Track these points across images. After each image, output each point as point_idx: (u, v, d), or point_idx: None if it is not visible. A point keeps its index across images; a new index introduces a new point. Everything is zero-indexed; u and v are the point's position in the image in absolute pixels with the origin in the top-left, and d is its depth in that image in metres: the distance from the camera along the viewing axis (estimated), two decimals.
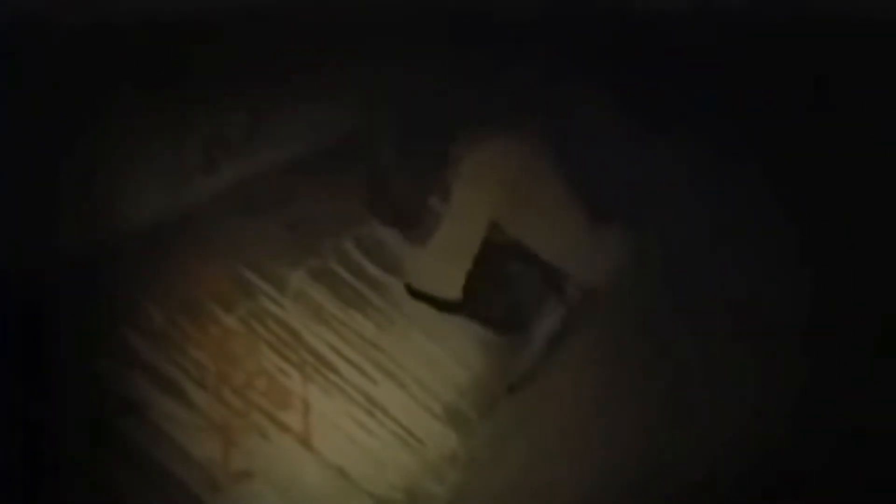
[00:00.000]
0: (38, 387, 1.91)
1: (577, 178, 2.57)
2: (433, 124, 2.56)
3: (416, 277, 2.41)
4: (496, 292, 2.48)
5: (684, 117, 2.56)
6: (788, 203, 2.45)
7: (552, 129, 2.60)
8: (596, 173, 2.54)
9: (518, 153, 2.51)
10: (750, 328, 2.40)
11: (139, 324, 2.10)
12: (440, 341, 2.45)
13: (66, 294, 2.02)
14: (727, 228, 2.52)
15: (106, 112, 2.12)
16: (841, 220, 2.37)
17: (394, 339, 2.40)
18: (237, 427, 2.08)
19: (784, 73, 2.55)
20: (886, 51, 2.36)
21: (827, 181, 2.40)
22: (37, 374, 1.92)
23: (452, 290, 2.38)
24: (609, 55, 2.66)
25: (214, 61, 2.28)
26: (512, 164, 2.47)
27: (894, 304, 2.25)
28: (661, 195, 2.57)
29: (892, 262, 2.27)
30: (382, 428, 2.24)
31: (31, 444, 1.85)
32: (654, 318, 2.49)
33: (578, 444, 2.31)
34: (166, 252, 2.20)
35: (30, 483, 1.81)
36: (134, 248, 2.15)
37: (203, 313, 2.19)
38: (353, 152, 2.58)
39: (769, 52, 2.54)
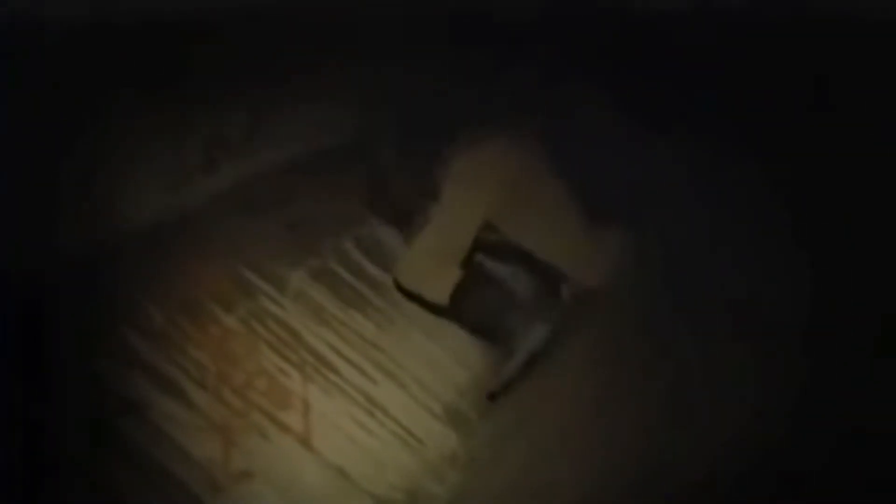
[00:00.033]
0: (38, 387, 1.91)
1: (576, 178, 2.57)
2: (433, 124, 2.56)
3: (402, 275, 2.41)
4: (485, 301, 2.47)
5: (684, 117, 2.56)
6: (788, 203, 2.45)
7: (552, 129, 2.60)
8: (596, 173, 2.54)
9: (516, 153, 2.51)
10: (750, 328, 2.40)
11: (139, 324, 2.10)
12: (440, 341, 2.46)
13: (66, 294, 2.02)
14: (727, 228, 2.51)
15: (106, 112, 2.12)
16: (841, 220, 2.37)
17: (394, 340, 2.41)
18: (237, 427, 2.08)
19: (784, 73, 2.55)
20: (887, 51, 2.35)
21: (827, 181, 2.40)
22: (37, 374, 1.92)
23: (438, 292, 2.38)
24: (609, 55, 2.66)
25: (214, 61, 2.28)
26: (509, 165, 2.48)
27: (894, 304, 2.25)
28: (661, 195, 2.57)
29: (892, 262, 2.26)
30: (382, 428, 2.24)
31: (31, 444, 1.85)
32: (654, 318, 2.48)
33: (578, 444, 2.31)
34: (166, 252, 2.20)
35: (30, 483, 1.81)
36: (134, 248, 2.15)
37: (203, 313, 2.19)
38: (353, 152, 2.58)
39: (769, 52, 2.53)
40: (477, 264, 2.48)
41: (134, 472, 1.95)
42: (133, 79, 2.15)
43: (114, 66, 2.10)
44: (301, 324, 2.31)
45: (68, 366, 1.98)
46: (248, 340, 2.22)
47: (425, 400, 2.33)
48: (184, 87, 2.25)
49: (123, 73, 2.13)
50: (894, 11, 2.30)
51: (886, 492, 2.02)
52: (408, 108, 2.63)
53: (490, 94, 2.59)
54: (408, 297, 2.43)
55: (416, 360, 2.40)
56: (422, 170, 2.52)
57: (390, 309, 2.44)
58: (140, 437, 1.99)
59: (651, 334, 2.46)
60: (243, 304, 2.26)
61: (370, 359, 2.34)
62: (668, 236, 2.54)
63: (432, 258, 2.39)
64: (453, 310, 2.42)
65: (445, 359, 2.41)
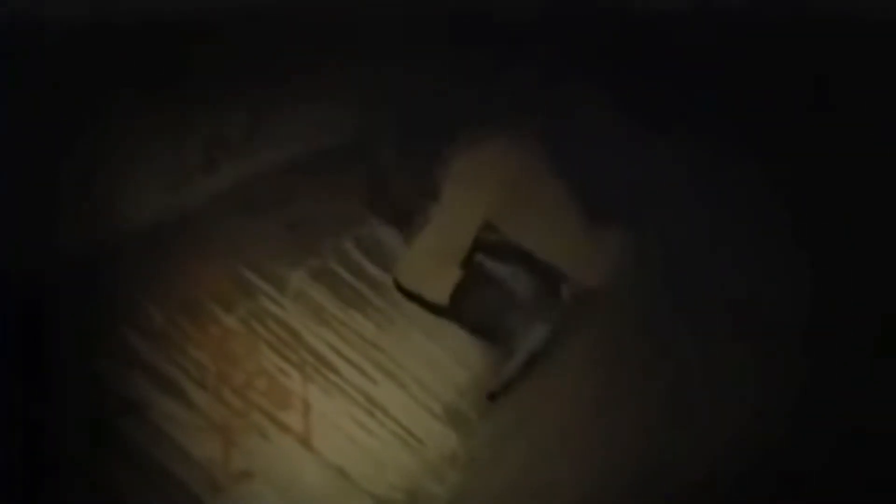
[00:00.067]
0: (38, 387, 1.92)
1: (576, 178, 2.57)
2: (433, 124, 2.56)
3: (402, 275, 2.41)
4: (485, 301, 2.46)
5: (684, 117, 2.56)
6: (788, 203, 2.45)
7: (552, 129, 2.60)
8: (596, 173, 2.54)
9: (516, 153, 2.51)
10: (750, 328, 2.40)
11: (139, 324, 2.11)
12: (440, 341, 2.46)
13: (66, 294, 2.02)
14: (727, 228, 2.51)
15: (106, 112, 2.12)
16: (841, 220, 2.37)
17: (394, 340, 2.41)
18: (237, 427, 2.08)
19: (784, 73, 2.55)
20: (887, 51, 2.36)
21: (827, 181, 2.40)
22: (37, 374, 1.92)
23: (438, 292, 2.37)
24: (609, 55, 2.66)
25: (214, 61, 2.28)
26: (509, 165, 2.47)
27: (894, 304, 2.25)
28: (661, 195, 2.57)
29: (892, 261, 2.26)
30: (382, 428, 2.24)
31: (31, 444, 1.85)
32: (654, 318, 2.48)
33: (578, 444, 2.31)
34: (166, 252, 2.20)
35: (30, 483, 1.81)
36: (134, 248, 2.16)
37: (203, 313, 2.19)
38: (353, 152, 2.58)
39: (769, 52, 2.53)
40: (477, 264, 2.48)
41: (134, 472, 1.95)
42: (133, 79, 2.15)
43: (114, 66, 2.11)
44: (301, 324, 2.31)
45: (68, 366, 1.98)
46: (249, 340, 2.22)
47: (425, 400, 2.33)
48: (184, 87, 2.25)
49: (123, 73, 2.13)
50: (894, 11, 2.30)
51: (886, 492, 2.02)
52: (408, 108, 2.63)
53: (490, 94, 2.59)
54: (407, 297, 2.43)
55: (416, 360, 2.40)
56: (422, 170, 2.52)
57: (390, 309, 2.44)
58: (140, 437, 1.99)
59: (651, 334, 2.46)
60: (243, 304, 2.26)
61: (370, 359, 2.34)
62: (668, 236, 2.53)
63: (432, 258, 2.39)
64: (453, 310, 2.42)
65: (445, 359, 2.42)
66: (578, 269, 2.52)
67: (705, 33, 2.55)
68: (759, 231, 2.49)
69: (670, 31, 2.59)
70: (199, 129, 2.32)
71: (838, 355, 2.26)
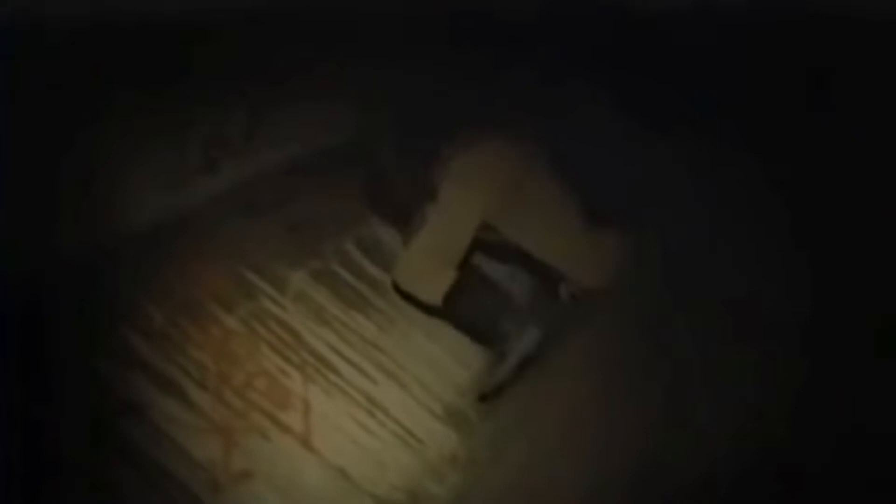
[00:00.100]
0: (38, 387, 1.91)
1: (576, 177, 2.57)
2: (433, 124, 2.56)
3: (399, 275, 2.40)
4: (480, 303, 2.46)
5: (684, 117, 2.56)
6: (788, 203, 2.45)
7: (552, 128, 2.60)
8: (596, 173, 2.54)
9: (515, 153, 2.50)
10: (750, 328, 2.40)
11: (140, 324, 2.10)
12: (441, 342, 2.46)
13: (66, 294, 2.02)
14: (727, 228, 2.51)
15: (106, 112, 2.12)
16: (841, 220, 2.37)
17: (394, 340, 2.41)
18: (238, 427, 2.08)
19: (784, 73, 2.55)
20: (887, 51, 2.36)
21: (827, 181, 2.40)
22: (37, 374, 1.92)
23: (432, 293, 2.36)
24: (609, 55, 2.66)
25: (214, 61, 2.28)
26: (507, 165, 2.47)
27: (894, 304, 2.25)
28: (660, 195, 2.57)
29: (892, 262, 2.26)
30: (383, 428, 2.24)
31: (31, 444, 1.85)
32: (654, 318, 2.49)
33: (578, 444, 2.31)
34: (166, 252, 2.20)
35: (30, 483, 1.81)
36: (134, 248, 2.15)
37: (204, 314, 2.19)
38: (353, 152, 2.58)
39: (769, 51, 2.54)
40: (474, 266, 2.47)
41: (134, 472, 1.94)
42: (133, 79, 2.15)
43: (114, 66, 2.10)
44: (302, 324, 2.31)
45: (68, 366, 1.98)
46: (249, 341, 2.22)
47: (426, 400, 2.33)
48: (184, 87, 2.25)
49: (123, 73, 2.13)
50: (894, 11, 2.30)
51: (886, 492, 2.03)
52: (407, 107, 2.62)
53: (490, 94, 2.59)
54: (404, 297, 2.43)
55: (416, 360, 2.40)
56: (422, 170, 2.51)
57: (391, 309, 2.43)
58: (140, 437, 1.98)
59: (651, 334, 2.46)
60: (244, 305, 2.26)
61: (371, 359, 2.34)
62: (668, 236, 2.54)
63: (429, 259, 2.37)
64: (447, 311, 2.42)
65: (446, 359, 2.42)
66: (578, 270, 2.52)
67: (705, 33, 2.55)
68: (759, 230, 2.49)
69: (670, 31, 2.59)
70: (199, 129, 2.32)
71: (838, 355, 2.26)
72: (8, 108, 1.90)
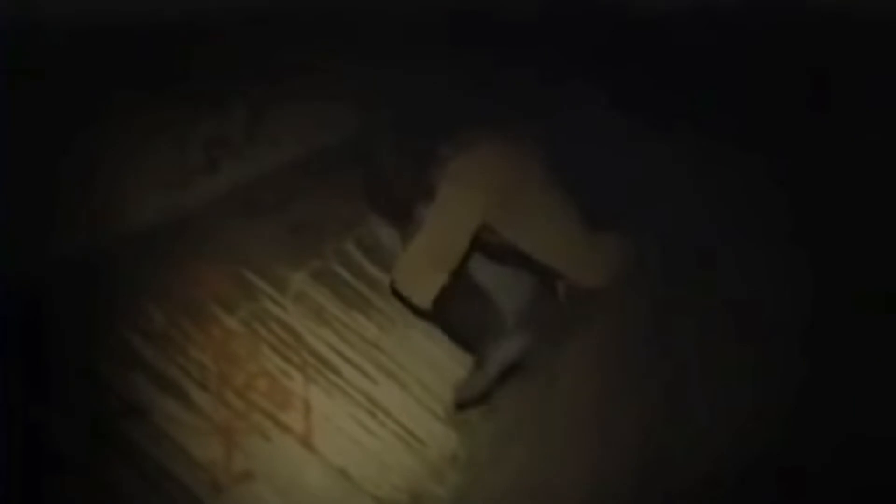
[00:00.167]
0: (38, 387, 1.91)
1: (576, 177, 2.56)
2: (432, 124, 2.55)
3: (396, 276, 2.39)
4: (468, 311, 2.44)
5: (684, 117, 2.57)
6: (789, 203, 2.46)
7: (551, 128, 2.60)
8: (596, 172, 2.54)
9: (515, 153, 2.50)
10: (750, 328, 2.41)
11: (140, 325, 2.10)
12: (441, 342, 2.45)
13: (66, 295, 2.02)
14: (727, 228, 2.52)
15: (106, 112, 2.12)
16: (842, 220, 2.38)
17: (395, 340, 2.40)
18: (239, 428, 2.08)
19: (783, 73, 2.56)
20: (886, 51, 2.36)
21: (827, 181, 2.41)
22: (37, 374, 1.92)
23: (422, 296, 2.35)
24: (609, 55, 2.66)
25: (214, 61, 2.28)
26: (508, 165, 2.46)
27: (895, 304, 2.27)
28: (661, 195, 2.57)
29: (892, 261, 2.28)
30: (384, 429, 2.24)
31: (31, 444, 1.85)
32: (653, 318, 2.49)
33: (578, 444, 2.32)
34: (167, 253, 2.19)
35: (30, 483, 1.81)
36: (135, 248, 2.15)
37: (204, 314, 2.19)
38: (353, 152, 2.57)
39: (769, 51, 2.54)
40: (467, 274, 2.46)
41: (134, 472, 1.94)
42: (133, 79, 2.15)
43: (114, 66, 2.10)
44: (302, 325, 2.30)
45: (68, 366, 1.98)
46: (250, 341, 2.21)
47: (427, 401, 2.33)
48: (184, 87, 2.25)
49: (123, 73, 2.13)
50: (892, 10, 2.30)
51: (886, 492, 2.04)
52: (407, 108, 2.62)
53: (489, 94, 2.59)
54: (398, 298, 2.42)
55: (417, 360, 2.39)
56: (421, 170, 2.50)
57: (392, 310, 2.43)
58: (141, 437, 1.98)
59: (651, 334, 2.47)
60: (245, 306, 2.26)
61: (371, 360, 2.34)
62: (669, 236, 2.54)
63: (425, 260, 2.36)
64: (436, 315, 2.40)
65: (446, 359, 2.41)
66: (577, 270, 2.52)
67: (705, 33, 2.55)
68: (759, 230, 2.50)
69: (670, 31, 2.60)
70: (199, 129, 2.32)
71: (838, 355, 2.28)
72: (8, 108, 1.90)
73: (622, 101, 2.63)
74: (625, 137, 2.56)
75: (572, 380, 2.43)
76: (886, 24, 2.32)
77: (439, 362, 2.41)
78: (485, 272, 2.51)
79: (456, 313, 2.39)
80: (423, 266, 2.34)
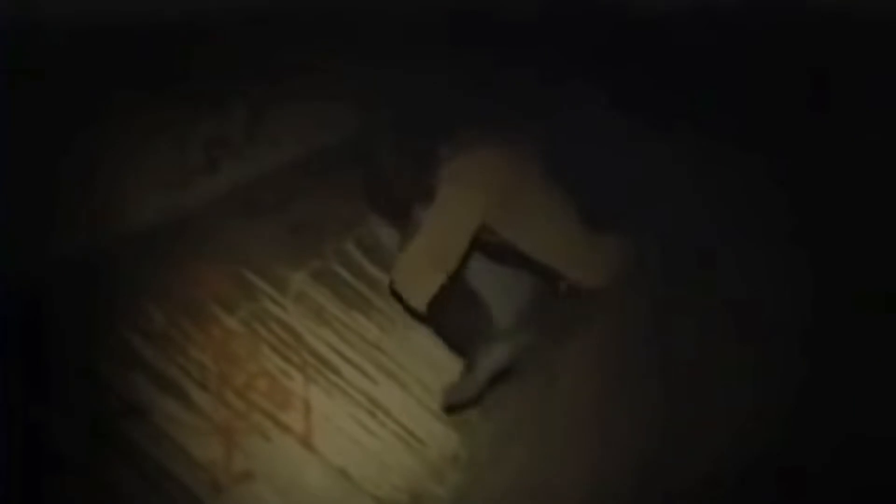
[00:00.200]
0: (38, 387, 1.92)
1: (576, 177, 2.56)
2: (432, 124, 2.55)
3: (395, 277, 2.39)
4: (462, 316, 2.43)
5: (684, 117, 2.56)
6: (789, 203, 2.46)
7: (551, 128, 2.60)
8: (596, 172, 2.54)
9: (514, 154, 2.49)
10: (750, 328, 2.41)
11: (140, 325, 2.10)
12: (441, 342, 2.45)
13: (66, 295, 2.03)
14: (727, 228, 2.52)
15: (106, 112, 2.12)
16: (842, 220, 2.38)
17: (395, 340, 2.40)
18: (239, 428, 2.08)
19: (783, 73, 2.56)
20: (886, 51, 2.36)
21: (827, 181, 2.41)
22: (37, 374, 1.92)
23: (418, 298, 2.35)
24: (609, 55, 2.66)
25: (214, 61, 2.28)
26: (506, 166, 2.45)
27: (895, 304, 2.27)
28: (661, 195, 2.57)
29: (893, 261, 2.28)
30: (384, 429, 2.24)
31: (31, 444, 1.85)
32: (653, 318, 2.49)
33: (578, 444, 2.32)
34: (167, 253, 2.20)
35: (30, 483, 1.81)
36: (135, 249, 2.16)
37: (204, 315, 2.19)
38: (353, 152, 2.57)
39: (769, 51, 2.54)
40: (464, 280, 2.45)
41: (134, 472, 1.95)
42: (133, 79, 2.16)
43: (114, 66, 2.11)
44: (302, 325, 2.30)
45: (68, 366, 1.98)
46: (250, 342, 2.22)
47: (427, 401, 2.33)
48: (184, 87, 2.26)
49: (123, 73, 2.13)
50: (893, 10, 2.30)
51: (886, 491, 2.04)
52: (407, 108, 2.62)
53: (489, 94, 2.59)
54: (396, 299, 2.41)
55: (417, 361, 2.39)
56: (421, 170, 2.50)
57: (392, 310, 2.42)
58: (141, 437, 1.99)
59: (651, 334, 2.47)
60: (245, 306, 2.26)
61: (372, 360, 2.33)
62: (669, 236, 2.54)
63: (424, 261, 2.36)
64: (430, 318, 2.40)
65: (447, 360, 2.40)
66: (577, 270, 2.51)
67: (705, 33, 2.55)
68: (759, 231, 2.50)
69: (670, 31, 2.60)
70: (199, 129, 2.32)
71: (838, 355, 2.28)
72: (8, 108, 1.90)
73: (622, 101, 2.63)
74: (625, 137, 2.56)
75: (572, 380, 2.43)
76: (886, 24, 2.32)
77: (440, 362, 2.40)
78: (481, 277, 2.51)
79: (449, 317, 2.38)
80: (423, 267, 2.33)
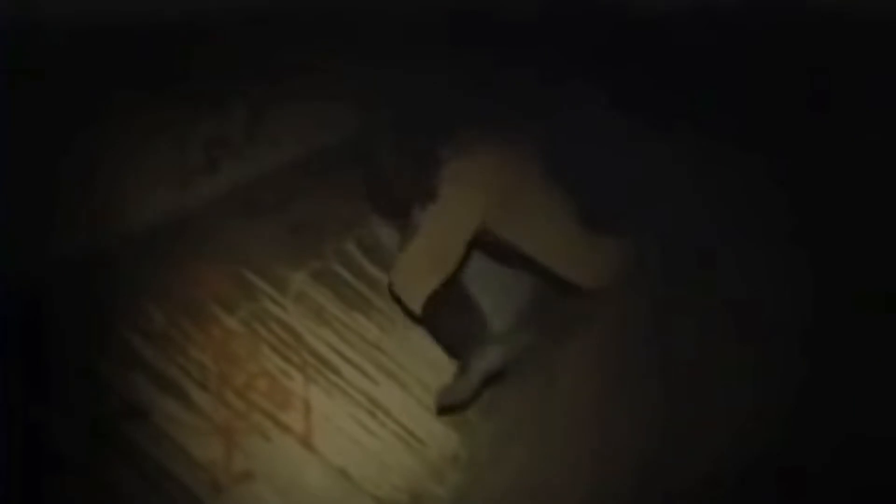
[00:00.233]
0: (38, 387, 1.92)
1: (576, 177, 2.56)
2: (432, 124, 2.55)
3: (394, 278, 2.39)
4: (456, 320, 2.43)
5: (684, 117, 2.56)
6: (789, 203, 2.46)
7: (551, 128, 2.60)
8: (596, 172, 2.54)
9: (514, 154, 2.49)
10: (750, 328, 2.41)
11: (140, 325, 2.11)
12: None
13: (66, 295, 2.03)
14: (727, 228, 2.52)
15: (106, 112, 2.12)
16: (842, 220, 2.38)
17: (395, 340, 2.40)
18: (239, 428, 2.08)
19: (784, 73, 2.55)
20: (886, 51, 2.36)
21: (827, 181, 2.41)
22: (37, 374, 1.93)
23: (414, 299, 2.34)
24: (609, 55, 2.66)
25: (214, 61, 2.28)
26: (506, 166, 2.45)
27: (895, 304, 2.27)
28: (661, 195, 2.57)
29: (893, 261, 2.27)
30: (384, 429, 2.24)
31: (31, 444, 1.85)
32: (653, 318, 2.49)
33: (578, 445, 2.31)
34: (167, 253, 2.20)
35: (30, 483, 1.81)
36: (135, 249, 2.16)
37: (204, 315, 2.19)
38: (353, 152, 2.57)
39: (769, 51, 2.54)
40: (461, 284, 2.45)
41: (134, 472, 1.95)
42: (133, 79, 2.16)
43: (114, 66, 2.11)
44: (302, 325, 2.30)
45: (68, 366, 1.99)
46: (250, 342, 2.22)
47: (427, 401, 2.32)
48: (184, 87, 2.26)
49: (123, 73, 2.13)
50: (893, 11, 2.30)
51: (886, 491, 2.04)
52: (407, 108, 2.62)
53: (489, 95, 2.59)
54: (395, 299, 2.41)
55: (417, 361, 2.39)
56: (421, 170, 2.50)
57: (392, 310, 2.42)
58: (141, 437, 1.99)
59: (651, 334, 2.46)
60: (245, 306, 2.26)
61: (372, 360, 2.34)
62: (669, 236, 2.54)
63: (423, 262, 2.35)
64: (425, 319, 2.39)
65: (446, 359, 2.40)
66: (577, 270, 2.51)
67: (705, 33, 2.55)
68: (759, 231, 2.49)
69: (670, 31, 2.59)
70: (199, 129, 2.32)
71: (838, 355, 2.27)
72: (8, 108, 1.90)
73: (622, 101, 2.63)
74: (625, 137, 2.56)
75: (572, 380, 2.42)
76: (886, 24, 2.31)
77: (439, 362, 2.40)
78: (481, 278, 2.51)
79: (445, 320, 2.38)
80: (422, 267, 2.33)
